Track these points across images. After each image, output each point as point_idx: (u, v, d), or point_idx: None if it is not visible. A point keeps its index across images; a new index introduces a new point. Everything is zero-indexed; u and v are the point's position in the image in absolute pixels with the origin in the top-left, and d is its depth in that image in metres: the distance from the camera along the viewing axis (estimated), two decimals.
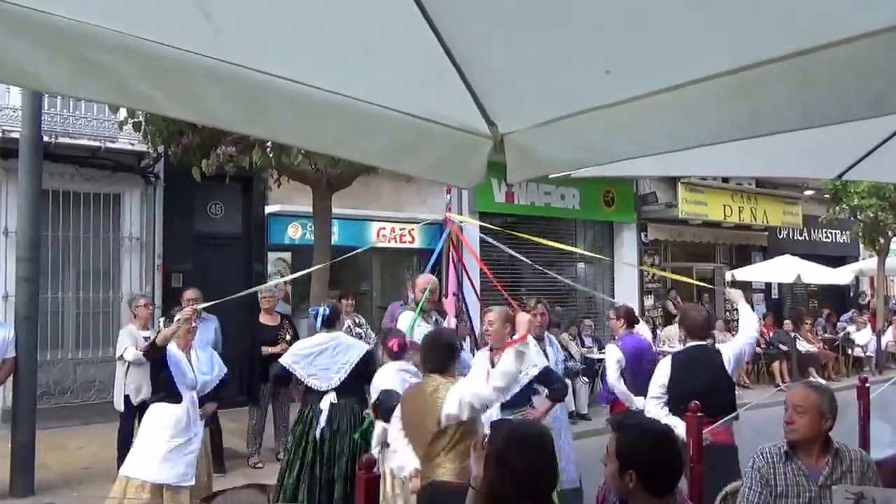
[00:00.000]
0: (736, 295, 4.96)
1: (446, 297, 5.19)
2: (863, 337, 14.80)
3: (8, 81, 1.95)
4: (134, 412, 5.96)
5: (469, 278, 7.46)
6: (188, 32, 1.80)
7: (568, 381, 7.50)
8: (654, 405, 4.33)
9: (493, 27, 1.89)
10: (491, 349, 4.59)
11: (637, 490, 2.10)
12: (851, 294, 19.19)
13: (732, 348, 4.49)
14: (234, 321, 7.49)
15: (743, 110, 1.87)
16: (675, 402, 4.15)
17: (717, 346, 4.95)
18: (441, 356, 3.41)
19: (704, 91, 1.92)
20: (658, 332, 12.77)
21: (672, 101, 2.00)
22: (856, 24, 1.63)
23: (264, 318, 7.11)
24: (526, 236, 7.27)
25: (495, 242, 8.02)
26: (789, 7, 1.65)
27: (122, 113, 7.20)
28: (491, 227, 8.46)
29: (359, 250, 7.05)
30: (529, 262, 7.43)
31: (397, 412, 3.51)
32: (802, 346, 13.19)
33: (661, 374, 4.38)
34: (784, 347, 13.02)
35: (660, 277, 15.14)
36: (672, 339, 12.09)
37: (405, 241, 11.33)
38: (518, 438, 2.18)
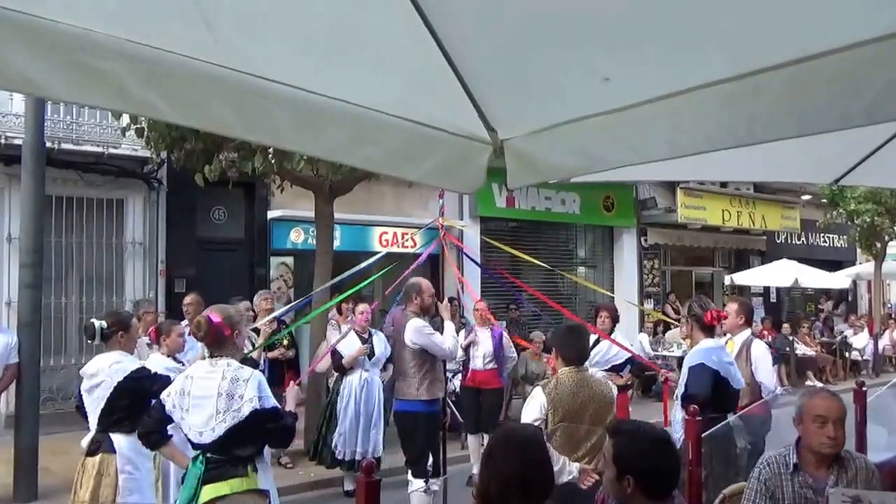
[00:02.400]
0: None
1: (441, 302, 5.26)
2: (860, 340, 14.81)
3: (8, 88, 1.95)
4: None
5: (463, 279, 7.52)
6: (189, 38, 1.80)
7: None
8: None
9: (493, 33, 1.91)
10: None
11: (635, 494, 2.11)
12: (850, 298, 19.22)
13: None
14: None
15: (739, 118, 1.88)
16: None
17: None
18: (585, 348, 3.59)
19: (702, 98, 1.93)
20: (660, 334, 12.78)
21: (670, 108, 2.01)
22: (849, 34, 1.65)
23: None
24: (517, 253, 7.35)
25: (498, 244, 8.10)
26: (784, 17, 1.68)
27: (125, 119, 7.22)
28: (490, 240, 8.54)
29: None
30: (534, 262, 7.51)
31: (539, 408, 3.32)
32: (800, 349, 13.20)
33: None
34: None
35: (659, 281, 15.16)
36: (673, 342, 12.11)
37: (407, 246, 11.38)
38: (505, 441, 2.21)
